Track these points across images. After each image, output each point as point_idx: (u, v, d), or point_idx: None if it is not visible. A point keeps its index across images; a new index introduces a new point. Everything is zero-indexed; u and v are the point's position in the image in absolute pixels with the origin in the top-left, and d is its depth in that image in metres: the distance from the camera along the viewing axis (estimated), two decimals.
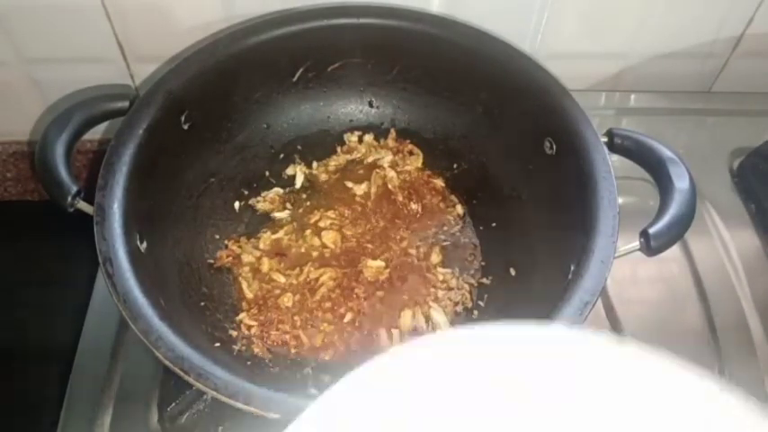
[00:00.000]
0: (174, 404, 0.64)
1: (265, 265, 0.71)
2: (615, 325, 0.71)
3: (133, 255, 0.56)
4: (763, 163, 0.81)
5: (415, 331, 0.67)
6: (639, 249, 0.58)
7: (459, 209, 0.77)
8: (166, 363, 0.51)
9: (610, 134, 0.64)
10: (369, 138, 0.81)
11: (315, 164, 0.79)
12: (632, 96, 0.89)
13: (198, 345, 0.53)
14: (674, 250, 0.69)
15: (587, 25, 0.81)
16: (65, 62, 0.78)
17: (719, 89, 0.90)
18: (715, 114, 0.89)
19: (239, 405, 0.49)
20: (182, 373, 0.50)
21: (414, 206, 0.76)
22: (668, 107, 0.89)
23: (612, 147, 0.64)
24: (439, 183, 0.79)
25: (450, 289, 0.71)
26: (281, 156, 0.79)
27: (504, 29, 0.73)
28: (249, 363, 0.63)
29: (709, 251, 0.77)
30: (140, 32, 0.76)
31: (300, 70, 0.75)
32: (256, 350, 0.65)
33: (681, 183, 0.59)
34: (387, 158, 0.79)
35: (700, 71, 0.89)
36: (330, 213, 0.75)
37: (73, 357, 0.68)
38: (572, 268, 0.58)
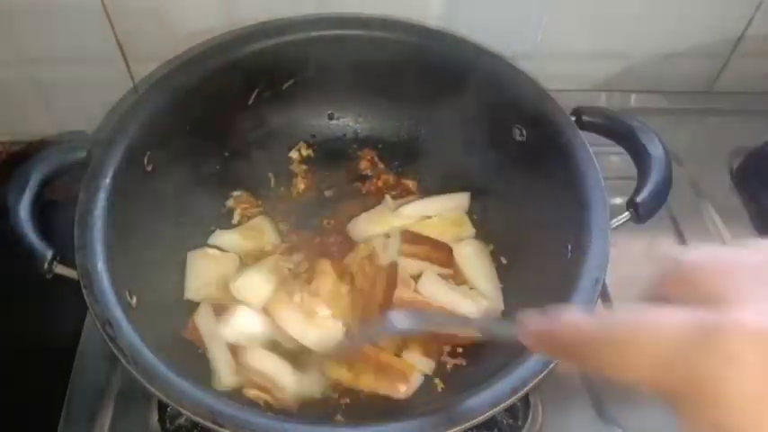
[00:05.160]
0: None
1: None
2: None
3: (128, 312, 0.54)
4: (763, 163, 0.81)
5: None
6: (630, 219, 0.59)
7: None
8: (196, 418, 0.48)
9: (577, 112, 0.64)
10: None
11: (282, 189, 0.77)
12: (632, 96, 0.89)
13: (216, 395, 0.51)
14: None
15: (587, 25, 0.81)
16: (65, 62, 0.78)
17: (720, 89, 0.90)
18: (715, 114, 0.89)
19: None
20: (216, 427, 0.48)
21: None
22: (668, 107, 0.89)
23: (582, 124, 0.64)
24: (410, 184, 0.77)
25: None
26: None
27: (504, 29, 0.73)
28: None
29: None
30: (140, 33, 0.76)
31: (255, 92, 0.73)
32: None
33: (655, 149, 0.61)
34: None
35: (700, 71, 0.89)
36: None
37: (73, 357, 0.68)
38: (569, 247, 0.57)
